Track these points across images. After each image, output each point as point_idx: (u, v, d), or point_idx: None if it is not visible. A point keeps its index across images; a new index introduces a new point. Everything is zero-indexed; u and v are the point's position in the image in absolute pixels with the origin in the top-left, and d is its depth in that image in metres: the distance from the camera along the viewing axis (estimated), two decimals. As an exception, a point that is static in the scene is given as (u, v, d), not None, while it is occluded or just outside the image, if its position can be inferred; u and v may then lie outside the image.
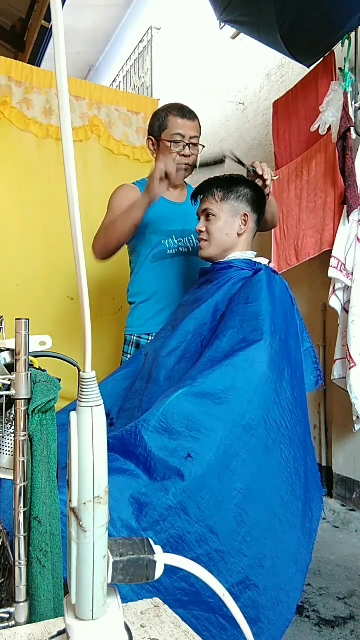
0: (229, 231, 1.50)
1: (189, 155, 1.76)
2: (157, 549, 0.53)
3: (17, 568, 0.73)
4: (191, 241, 1.83)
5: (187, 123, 1.76)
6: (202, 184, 1.58)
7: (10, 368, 0.79)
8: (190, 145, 1.75)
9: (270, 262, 1.55)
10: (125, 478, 1.03)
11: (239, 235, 1.51)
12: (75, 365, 0.75)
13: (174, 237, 1.82)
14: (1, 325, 1.03)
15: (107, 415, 1.38)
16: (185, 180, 1.90)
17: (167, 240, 1.82)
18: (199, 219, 1.57)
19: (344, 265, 2.36)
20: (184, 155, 1.75)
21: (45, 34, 3.59)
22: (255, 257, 1.54)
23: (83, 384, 0.47)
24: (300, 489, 1.21)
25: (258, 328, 1.26)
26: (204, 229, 1.54)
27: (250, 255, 1.53)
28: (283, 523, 1.15)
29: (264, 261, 1.53)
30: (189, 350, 1.40)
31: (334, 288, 2.41)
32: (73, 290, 2.73)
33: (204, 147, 1.80)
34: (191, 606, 0.98)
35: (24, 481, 0.74)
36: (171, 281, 1.81)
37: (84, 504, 0.47)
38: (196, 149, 1.76)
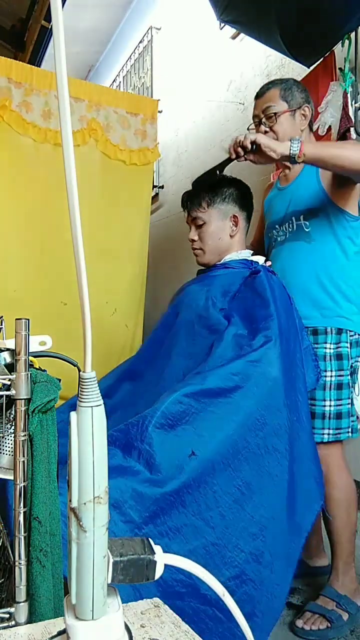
0: (221, 235, 1.51)
1: (264, 133, 1.61)
2: (157, 548, 0.53)
3: (17, 568, 0.73)
4: (291, 225, 1.64)
5: (256, 103, 1.67)
6: (186, 193, 1.58)
7: (10, 368, 0.79)
8: (264, 118, 1.62)
9: (266, 260, 1.55)
10: (125, 475, 1.03)
11: (231, 236, 1.52)
12: (75, 365, 0.75)
13: (277, 226, 1.69)
14: (1, 325, 1.03)
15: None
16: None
17: (271, 232, 1.72)
18: (190, 227, 1.57)
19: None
20: None
21: (45, 34, 3.58)
22: (252, 255, 1.54)
23: (83, 384, 0.47)
24: (292, 487, 1.23)
25: (266, 329, 1.27)
26: (196, 238, 1.54)
27: (246, 254, 1.53)
28: (281, 520, 1.16)
29: (260, 259, 1.53)
30: (196, 348, 1.40)
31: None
32: (67, 295, 2.74)
33: (289, 107, 1.61)
34: (188, 598, 1.00)
35: (24, 481, 0.74)
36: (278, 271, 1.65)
37: (84, 504, 0.47)
38: (271, 119, 1.60)
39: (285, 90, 1.61)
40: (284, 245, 1.65)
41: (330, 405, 1.51)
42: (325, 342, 1.53)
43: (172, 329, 1.48)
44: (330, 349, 1.53)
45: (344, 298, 1.55)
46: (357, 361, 1.57)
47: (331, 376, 1.52)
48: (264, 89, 1.65)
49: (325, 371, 1.51)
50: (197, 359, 1.35)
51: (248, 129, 1.69)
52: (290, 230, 1.63)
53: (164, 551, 0.53)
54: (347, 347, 1.53)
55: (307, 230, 1.58)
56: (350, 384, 1.53)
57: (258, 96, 1.66)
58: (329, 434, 1.50)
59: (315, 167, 1.55)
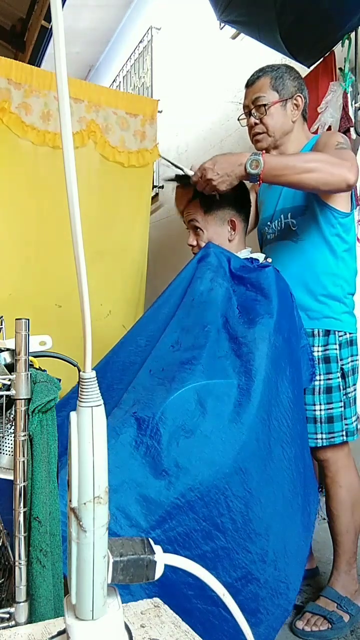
0: (219, 240, 1.48)
1: (254, 124, 1.58)
2: (157, 549, 0.53)
3: (17, 568, 0.73)
4: (280, 223, 1.60)
5: (246, 92, 1.61)
6: (178, 200, 1.54)
7: (10, 368, 0.79)
8: (254, 110, 1.57)
9: (266, 257, 1.54)
10: (132, 475, 1.03)
11: (230, 240, 1.49)
12: (75, 365, 0.75)
13: (268, 223, 1.65)
14: (1, 325, 1.03)
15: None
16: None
17: (263, 229, 1.68)
18: (188, 232, 1.55)
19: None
20: (250, 127, 1.60)
21: (45, 34, 3.58)
22: (251, 252, 1.53)
23: (83, 384, 0.47)
24: (300, 486, 1.23)
25: (267, 325, 1.26)
26: (194, 244, 1.52)
27: (245, 253, 1.52)
28: (285, 519, 1.17)
29: (260, 257, 1.52)
30: (189, 321, 1.38)
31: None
32: (61, 297, 2.74)
33: (279, 99, 1.55)
34: (195, 600, 1.00)
35: (24, 481, 0.74)
36: None
37: (84, 504, 0.47)
38: (261, 110, 1.56)
39: (276, 79, 1.55)
40: (272, 244, 1.62)
41: (320, 410, 1.48)
42: (313, 345, 1.50)
43: (173, 300, 1.45)
44: (318, 352, 1.49)
45: (331, 299, 1.51)
46: (354, 360, 1.54)
47: (320, 380, 1.48)
48: (253, 77, 1.59)
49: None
50: (189, 333, 1.32)
51: (239, 119, 1.65)
52: (278, 228, 1.60)
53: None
54: (336, 350, 1.49)
55: (294, 229, 1.54)
56: (341, 387, 1.49)
57: (248, 85, 1.61)
58: (322, 439, 1.48)
59: None
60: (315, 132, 2.41)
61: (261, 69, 1.60)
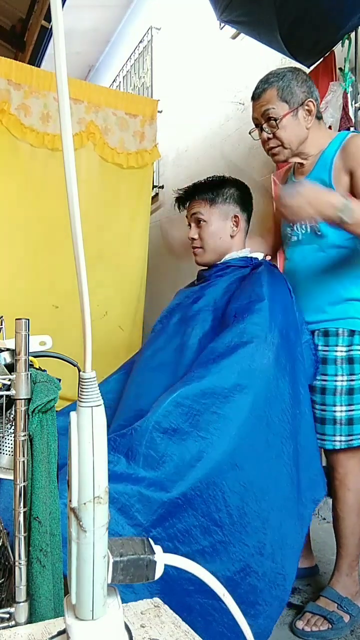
0: (221, 235, 1.50)
1: (267, 139, 1.52)
2: (157, 548, 0.53)
3: (17, 568, 0.73)
4: (304, 227, 1.53)
5: (253, 105, 1.53)
6: (186, 189, 1.56)
7: (10, 368, 0.79)
8: (266, 123, 1.50)
9: (266, 255, 1.55)
10: (130, 481, 1.04)
11: (231, 237, 1.51)
12: (75, 365, 0.75)
13: (292, 224, 1.58)
14: (1, 325, 1.03)
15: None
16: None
17: (285, 230, 1.61)
18: (189, 225, 1.56)
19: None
20: (264, 141, 1.54)
21: (45, 34, 3.58)
22: (250, 252, 1.54)
23: (83, 384, 0.47)
24: (297, 478, 1.24)
25: (259, 323, 1.27)
26: (196, 236, 1.53)
27: (245, 252, 1.53)
28: (282, 512, 1.19)
29: (259, 255, 1.53)
30: (188, 346, 1.40)
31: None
32: (58, 298, 2.74)
33: (289, 109, 1.48)
34: (196, 594, 1.02)
35: (24, 481, 0.74)
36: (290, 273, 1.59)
37: (84, 504, 0.47)
38: (272, 124, 1.49)
39: (283, 89, 1.47)
40: (296, 248, 1.57)
41: (341, 411, 1.44)
42: (337, 345, 1.45)
43: (170, 333, 1.48)
44: (341, 352, 1.45)
45: (356, 300, 1.48)
46: None
47: (342, 381, 1.44)
48: (259, 89, 1.52)
49: (336, 375, 1.44)
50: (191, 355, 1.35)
51: (250, 132, 1.60)
52: (302, 231, 1.55)
53: (170, 552, 0.53)
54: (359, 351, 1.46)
55: (319, 233, 1.49)
56: None
57: (254, 98, 1.54)
58: (340, 441, 1.44)
59: (328, 166, 1.47)
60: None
61: (266, 80, 1.52)
